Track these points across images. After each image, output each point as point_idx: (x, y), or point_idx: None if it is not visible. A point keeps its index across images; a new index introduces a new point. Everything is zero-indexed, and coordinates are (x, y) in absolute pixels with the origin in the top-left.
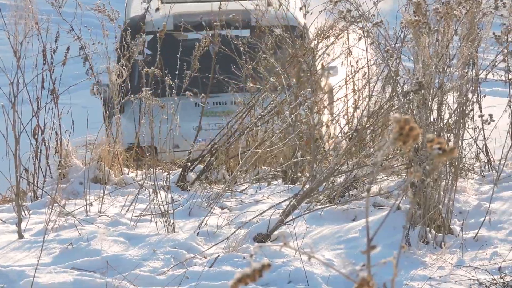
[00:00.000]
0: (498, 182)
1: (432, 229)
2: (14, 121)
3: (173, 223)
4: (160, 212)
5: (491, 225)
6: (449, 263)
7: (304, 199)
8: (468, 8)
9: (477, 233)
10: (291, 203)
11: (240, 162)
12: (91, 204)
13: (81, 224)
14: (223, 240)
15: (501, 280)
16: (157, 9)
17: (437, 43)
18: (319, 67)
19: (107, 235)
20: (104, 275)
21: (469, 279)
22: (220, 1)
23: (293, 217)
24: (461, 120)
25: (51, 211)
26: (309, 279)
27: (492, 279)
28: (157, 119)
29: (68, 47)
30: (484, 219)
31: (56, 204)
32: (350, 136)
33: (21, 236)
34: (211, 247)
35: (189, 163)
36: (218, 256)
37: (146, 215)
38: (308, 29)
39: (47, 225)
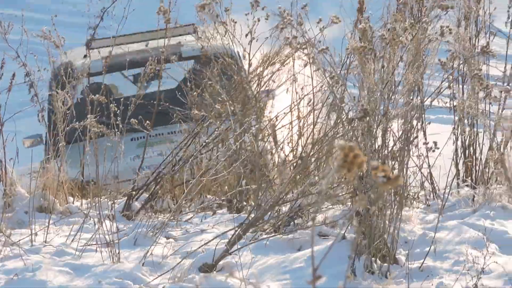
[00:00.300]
0: (443, 211)
1: (378, 259)
2: None
3: (118, 253)
4: (105, 242)
5: (436, 255)
6: None
7: (249, 228)
8: (413, 35)
9: (423, 263)
10: (236, 232)
11: (185, 191)
12: (36, 234)
13: (26, 254)
14: (168, 271)
15: None
16: (85, 56)
17: (382, 69)
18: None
19: (52, 266)
20: None
21: None
22: (142, 41)
23: (239, 246)
24: (406, 148)
25: None
26: None
27: None
28: (102, 150)
29: (13, 74)
30: (430, 249)
31: (1, 234)
32: (295, 164)
33: None
34: (157, 277)
35: (134, 192)
36: (164, 287)
37: (91, 245)
38: (242, 58)
39: None
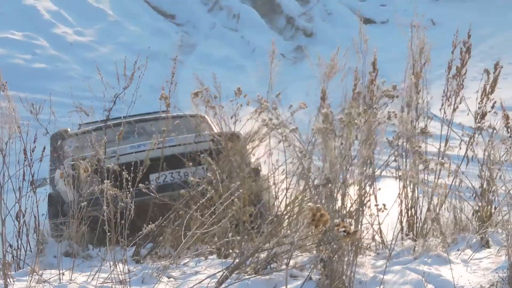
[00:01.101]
0: (390, 258)
1: None
2: (1, 206)
3: None
4: (119, 280)
5: None
6: None
7: (234, 270)
8: (366, 118)
9: None
10: (224, 274)
11: (183, 241)
12: (63, 274)
13: None
14: None
15: None
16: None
17: (341, 146)
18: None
19: None
20: None
21: None
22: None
23: (226, 285)
24: (360, 209)
25: (31, 279)
26: None
27: None
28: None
29: (44, 147)
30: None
31: (35, 273)
32: (271, 220)
33: None
34: None
35: (141, 242)
36: None
37: (107, 282)
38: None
39: None
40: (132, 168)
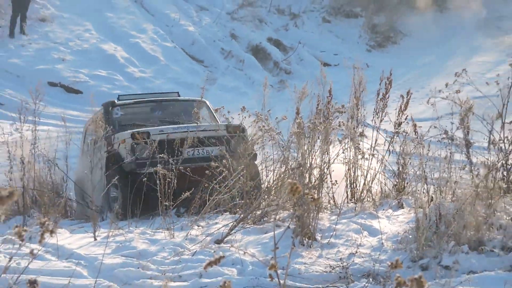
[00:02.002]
0: (339, 215)
1: (306, 238)
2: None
3: (173, 234)
4: (166, 227)
5: (336, 236)
6: (314, 256)
7: (240, 222)
8: (324, 126)
9: (329, 240)
10: (233, 224)
11: (207, 204)
12: (130, 224)
13: (125, 233)
14: (198, 243)
15: (342, 264)
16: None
17: (308, 143)
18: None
19: (139, 239)
20: (138, 259)
21: (325, 264)
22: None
23: (234, 231)
24: (321, 183)
25: (110, 227)
26: (243, 263)
27: (337, 264)
28: None
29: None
30: (333, 233)
31: (113, 223)
32: (265, 189)
33: (95, 239)
34: (192, 246)
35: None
36: (196, 251)
37: (159, 229)
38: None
39: (108, 233)
40: (173, 144)
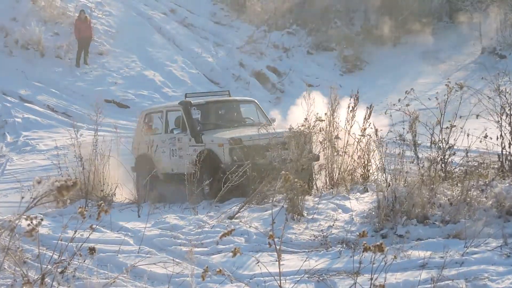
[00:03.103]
0: (321, 197)
1: (296, 215)
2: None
3: (197, 212)
4: (192, 207)
5: (318, 213)
6: (302, 228)
7: (247, 203)
8: (309, 131)
9: (313, 216)
10: (242, 204)
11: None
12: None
13: (161, 212)
14: (216, 218)
15: (322, 234)
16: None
17: (299, 144)
18: None
19: (172, 217)
20: (171, 231)
21: (310, 234)
22: (211, 95)
23: (243, 210)
24: (307, 173)
25: (150, 208)
26: (249, 233)
27: (319, 234)
28: None
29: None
30: (316, 211)
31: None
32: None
33: (139, 216)
34: (211, 221)
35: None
36: (214, 224)
37: (187, 208)
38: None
39: (148, 212)
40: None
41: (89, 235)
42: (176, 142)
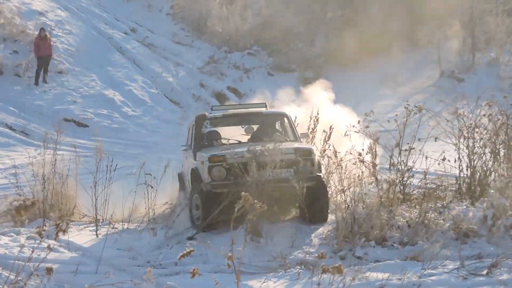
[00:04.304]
0: (280, 219)
1: (255, 236)
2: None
3: (155, 232)
4: (151, 228)
5: (277, 234)
6: (261, 249)
7: (205, 224)
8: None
9: (272, 237)
10: (201, 224)
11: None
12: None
13: (120, 232)
14: (174, 239)
15: (281, 256)
16: (210, 112)
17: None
18: None
19: (130, 236)
20: (130, 251)
21: (269, 255)
22: (245, 108)
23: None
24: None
25: (108, 227)
26: (208, 254)
27: (278, 255)
28: None
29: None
30: (275, 232)
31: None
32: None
33: (97, 236)
34: (171, 241)
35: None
36: (173, 245)
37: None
38: None
39: (107, 232)
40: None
41: (46, 255)
42: (188, 158)
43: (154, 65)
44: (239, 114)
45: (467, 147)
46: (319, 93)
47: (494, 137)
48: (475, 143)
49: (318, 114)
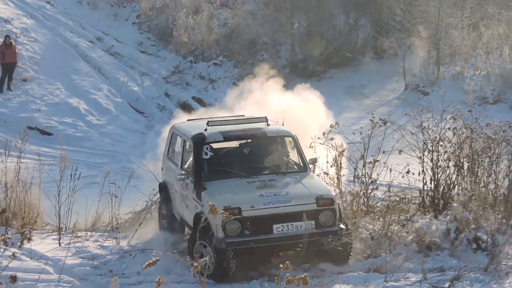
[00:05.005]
0: None
1: None
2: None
3: (118, 242)
4: (114, 237)
5: None
6: None
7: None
8: None
9: None
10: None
11: None
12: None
13: (82, 241)
14: (138, 248)
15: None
16: (205, 130)
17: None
18: None
19: (93, 245)
20: (92, 260)
21: None
22: (245, 123)
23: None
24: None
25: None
26: (174, 264)
27: None
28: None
29: None
30: None
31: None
32: None
33: (59, 245)
34: (134, 251)
35: None
36: (136, 254)
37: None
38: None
39: (70, 241)
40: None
41: (9, 263)
42: (184, 186)
43: (119, 74)
44: (241, 136)
45: (431, 160)
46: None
47: (458, 151)
48: (439, 157)
49: (283, 125)
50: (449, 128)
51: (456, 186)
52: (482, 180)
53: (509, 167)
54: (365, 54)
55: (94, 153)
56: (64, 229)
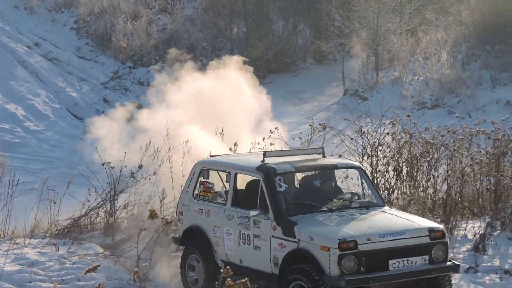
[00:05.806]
0: None
1: (163, 249)
2: None
3: (58, 248)
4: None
5: None
6: (167, 264)
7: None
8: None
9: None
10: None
11: None
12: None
13: (21, 247)
14: (77, 254)
15: None
16: (262, 161)
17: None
18: None
19: (32, 252)
20: (31, 267)
21: (174, 273)
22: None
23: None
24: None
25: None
26: (113, 269)
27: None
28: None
29: None
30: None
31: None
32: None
33: None
34: (73, 257)
35: None
36: (75, 260)
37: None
38: None
39: (8, 247)
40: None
41: None
42: (251, 226)
43: (57, 80)
44: (312, 167)
45: (371, 165)
46: None
47: (397, 155)
48: (378, 161)
49: (223, 131)
50: (388, 133)
51: (395, 191)
52: (421, 185)
53: (447, 171)
54: (305, 59)
55: (32, 159)
56: (2, 235)
